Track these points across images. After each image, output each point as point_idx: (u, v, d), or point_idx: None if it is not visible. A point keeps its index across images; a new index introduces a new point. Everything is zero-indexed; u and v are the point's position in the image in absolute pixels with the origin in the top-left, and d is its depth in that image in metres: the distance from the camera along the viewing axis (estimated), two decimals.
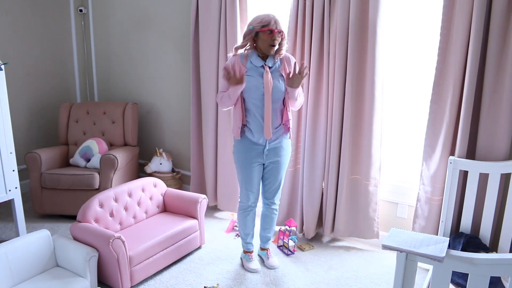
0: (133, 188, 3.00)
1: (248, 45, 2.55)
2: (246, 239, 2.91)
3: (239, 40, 3.34)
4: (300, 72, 2.46)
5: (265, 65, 2.54)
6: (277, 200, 2.86)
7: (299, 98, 2.61)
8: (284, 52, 2.60)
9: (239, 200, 2.84)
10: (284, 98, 2.59)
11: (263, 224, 2.92)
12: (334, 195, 3.12)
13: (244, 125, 2.61)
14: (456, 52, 2.50)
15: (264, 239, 2.97)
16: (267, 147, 2.63)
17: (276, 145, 2.65)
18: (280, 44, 2.54)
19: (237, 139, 2.66)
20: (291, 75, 2.47)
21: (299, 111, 3.17)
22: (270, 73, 2.53)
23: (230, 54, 2.64)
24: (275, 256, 3.00)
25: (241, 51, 2.59)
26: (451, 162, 2.55)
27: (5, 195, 2.75)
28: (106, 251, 2.44)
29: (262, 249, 3.00)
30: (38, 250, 2.41)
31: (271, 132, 2.58)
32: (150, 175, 3.95)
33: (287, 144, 2.74)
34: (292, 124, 2.77)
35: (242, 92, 2.54)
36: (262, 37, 2.47)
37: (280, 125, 2.62)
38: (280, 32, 2.48)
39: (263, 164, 2.72)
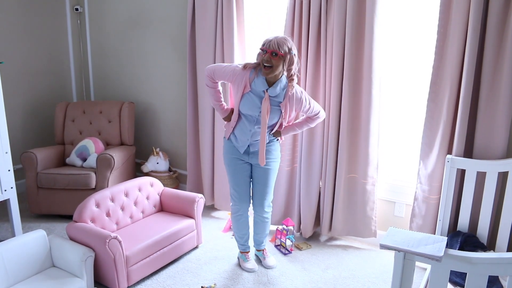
0: (129, 187, 2.99)
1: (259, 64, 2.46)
2: (241, 241, 2.90)
3: (236, 39, 3.33)
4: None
5: (266, 91, 2.45)
6: (268, 208, 2.82)
7: (301, 129, 2.72)
8: (294, 83, 2.46)
9: (231, 203, 2.83)
10: (277, 122, 2.59)
11: (255, 229, 2.91)
12: (331, 194, 3.12)
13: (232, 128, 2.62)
14: (453, 50, 2.50)
15: (257, 242, 2.96)
16: (251, 150, 2.62)
17: None
18: (288, 70, 2.41)
19: (226, 138, 2.67)
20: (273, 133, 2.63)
21: None
22: (269, 101, 2.47)
23: (239, 66, 2.52)
24: (272, 256, 3.00)
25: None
26: (448, 160, 2.55)
27: (0, 195, 2.73)
28: (103, 251, 2.43)
29: (257, 250, 2.99)
30: (34, 250, 2.40)
31: (264, 160, 2.58)
32: (147, 174, 3.93)
33: (275, 148, 2.69)
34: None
35: (239, 103, 2.51)
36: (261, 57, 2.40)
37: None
38: (277, 54, 2.31)
39: (251, 165, 2.71)
